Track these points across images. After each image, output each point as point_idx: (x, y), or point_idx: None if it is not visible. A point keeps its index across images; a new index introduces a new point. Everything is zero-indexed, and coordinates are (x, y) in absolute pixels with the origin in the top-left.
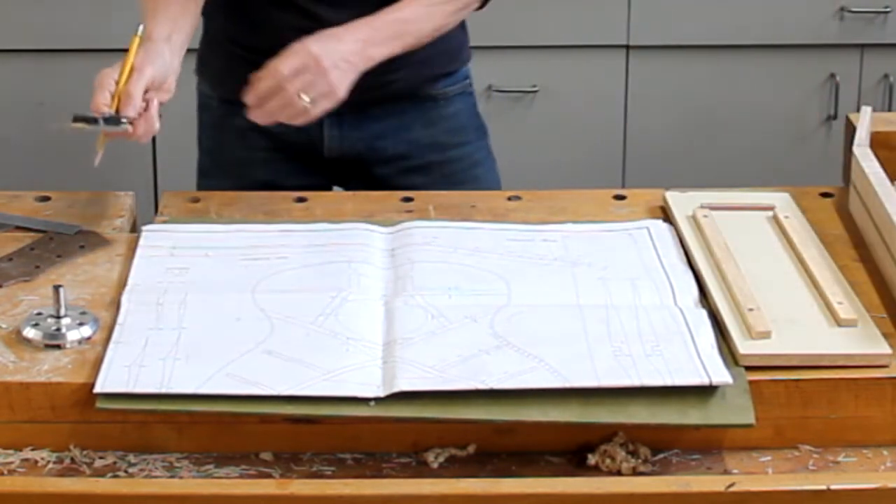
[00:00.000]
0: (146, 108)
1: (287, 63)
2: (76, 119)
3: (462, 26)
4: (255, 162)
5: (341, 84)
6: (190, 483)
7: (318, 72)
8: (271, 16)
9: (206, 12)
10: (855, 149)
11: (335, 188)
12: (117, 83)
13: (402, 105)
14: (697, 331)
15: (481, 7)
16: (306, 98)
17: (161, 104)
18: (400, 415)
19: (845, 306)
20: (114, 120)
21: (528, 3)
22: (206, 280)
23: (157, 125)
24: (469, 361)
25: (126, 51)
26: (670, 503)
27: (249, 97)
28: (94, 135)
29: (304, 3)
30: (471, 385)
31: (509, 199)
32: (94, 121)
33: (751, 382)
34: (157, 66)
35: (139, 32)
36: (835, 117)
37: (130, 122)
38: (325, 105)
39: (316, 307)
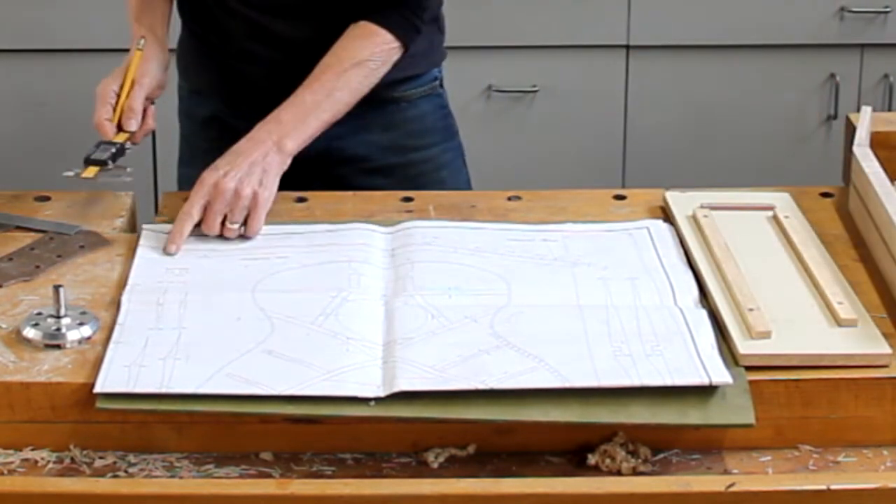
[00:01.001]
0: (144, 115)
1: (194, 204)
2: (87, 162)
3: (437, 27)
4: (218, 152)
5: (263, 186)
6: (190, 483)
7: (224, 197)
8: (224, 22)
9: (178, 7)
10: (855, 149)
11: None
12: (118, 95)
13: (361, 107)
14: (697, 331)
15: (405, 51)
16: (235, 225)
17: (154, 100)
18: (400, 415)
19: (845, 306)
20: (120, 152)
21: (528, 3)
22: (206, 280)
23: (152, 125)
24: (469, 361)
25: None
26: (670, 503)
27: (172, 242)
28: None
29: (252, 15)
30: (471, 385)
31: (509, 199)
32: (104, 163)
33: (751, 382)
34: (153, 74)
35: (141, 46)
36: (835, 117)
37: (131, 134)
38: (262, 208)
39: (316, 307)
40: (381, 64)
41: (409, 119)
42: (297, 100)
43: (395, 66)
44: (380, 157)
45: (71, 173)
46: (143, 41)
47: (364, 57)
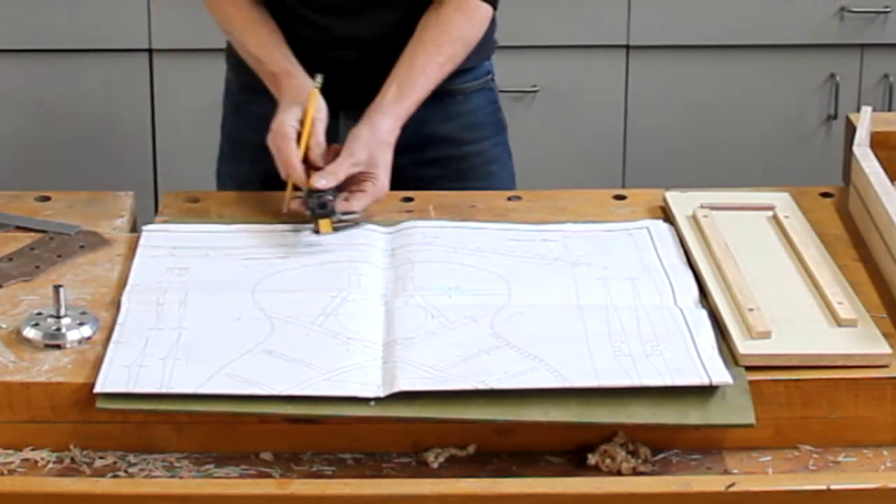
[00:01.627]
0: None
1: (363, 203)
2: (316, 216)
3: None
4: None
5: None
6: (190, 483)
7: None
8: (285, 24)
9: None
10: (855, 149)
11: None
12: (299, 133)
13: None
14: (697, 331)
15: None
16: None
17: None
18: (400, 415)
19: (845, 306)
20: (335, 197)
21: (527, 3)
22: (207, 280)
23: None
24: (469, 361)
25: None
26: (670, 503)
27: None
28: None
29: (315, 17)
30: (471, 385)
31: (509, 199)
32: (332, 213)
33: (751, 382)
34: (325, 109)
35: (318, 84)
36: (835, 117)
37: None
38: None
39: (316, 307)
40: (479, 33)
41: (464, 112)
42: (415, 83)
43: None
44: (436, 149)
45: (312, 234)
46: (319, 78)
47: (472, 36)
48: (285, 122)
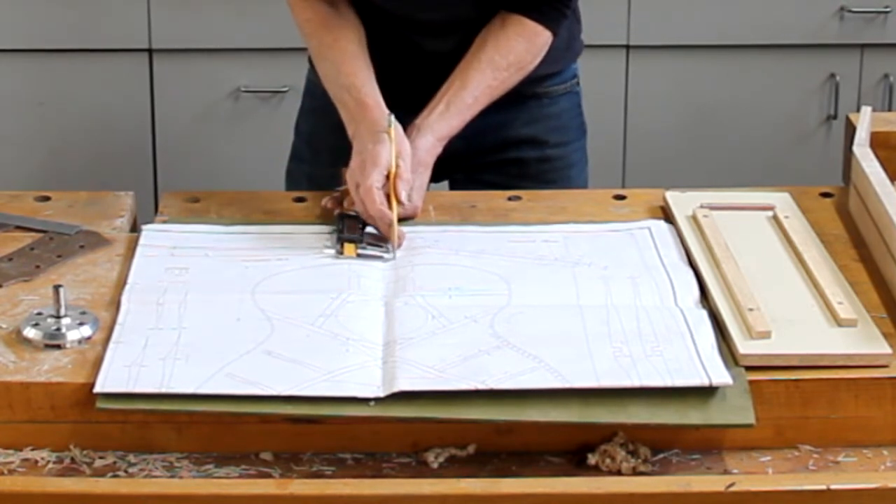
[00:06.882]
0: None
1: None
2: (342, 240)
3: (575, 17)
4: (349, 152)
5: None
6: (190, 483)
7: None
8: (378, 38)
9: None
10: (855, 149)
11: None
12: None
13: (504, 103)
14: (697, 331)
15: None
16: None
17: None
18: (400, 415)
19: (845, 306)
20: (364, 224)
21: None
22: (206, 280)
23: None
24: (469, 361)
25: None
26: (670, 503)
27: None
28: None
29: (410, 35)
30: (471, 385)
31: (509, 199)
32: (359, 240)
33: (751, 382)
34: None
35: (392, 122)
36: (835, 117)
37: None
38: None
39: (316, 308)
40: (536, 59)
41: (550, 115)
42: (464, 103)
43: (539, 63)
44: (516, 151)
45: (331, 251)
46: (392, 118)
47: (528, 61)
48: (384, 152)
